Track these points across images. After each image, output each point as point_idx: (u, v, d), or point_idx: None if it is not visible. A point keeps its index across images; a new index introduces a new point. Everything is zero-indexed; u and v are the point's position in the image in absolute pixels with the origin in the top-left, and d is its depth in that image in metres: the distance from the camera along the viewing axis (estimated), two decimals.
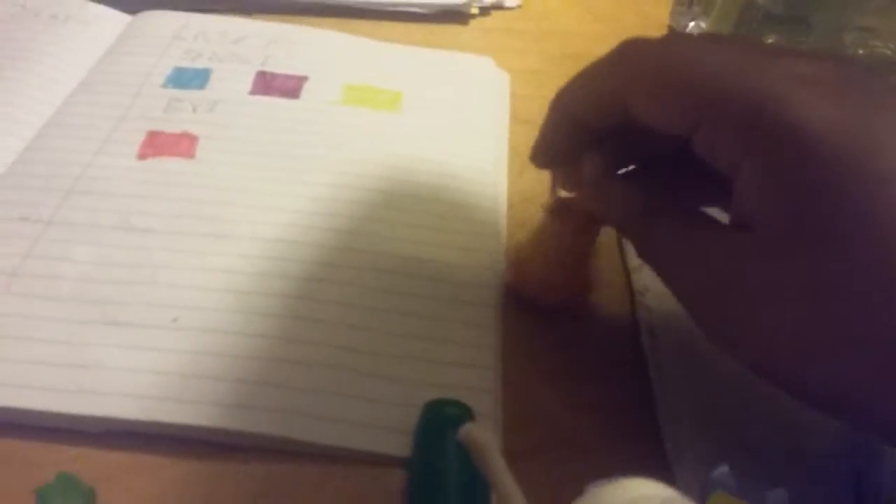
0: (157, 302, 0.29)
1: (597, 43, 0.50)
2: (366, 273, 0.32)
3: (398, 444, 0.26)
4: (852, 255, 0.19)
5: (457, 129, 0.41)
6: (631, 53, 0.24)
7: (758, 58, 0.22)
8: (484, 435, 0.21)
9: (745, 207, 0.21)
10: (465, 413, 0.26)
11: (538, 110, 0.43)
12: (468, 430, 0.21)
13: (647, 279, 0.33)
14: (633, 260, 0.34)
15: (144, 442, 0.26)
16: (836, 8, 0.39)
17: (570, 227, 0.29)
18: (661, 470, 0.27)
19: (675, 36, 0.25)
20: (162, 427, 0.26)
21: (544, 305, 0.31)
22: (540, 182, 0.38)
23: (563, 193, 0.30)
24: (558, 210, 0.30)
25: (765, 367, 0.22)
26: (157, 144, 0.37)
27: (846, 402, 0.20)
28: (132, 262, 0.31)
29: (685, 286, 0.24)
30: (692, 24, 0.50)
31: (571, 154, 0.28)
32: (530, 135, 0.41)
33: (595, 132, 0.27)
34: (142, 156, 0.36)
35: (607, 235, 0.33)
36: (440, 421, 0.25)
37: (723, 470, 0.22)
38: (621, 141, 0.27)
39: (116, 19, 0.46)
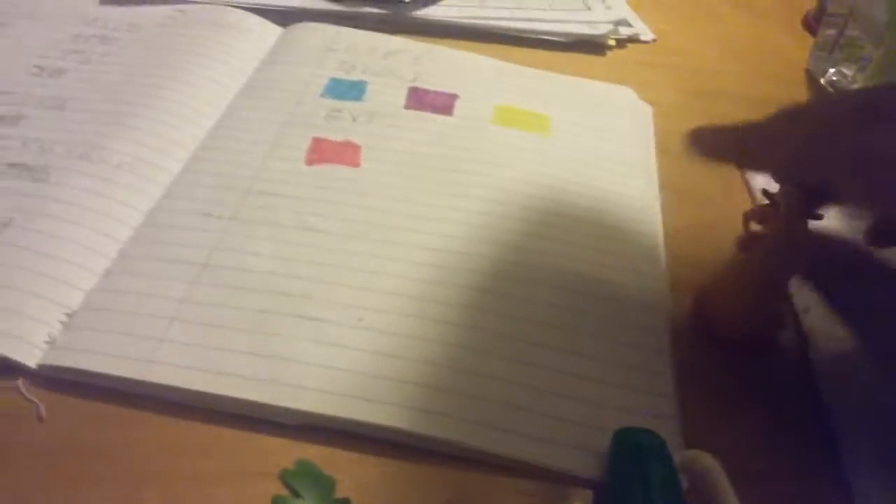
0: (342, 300, 0.30)
1: (733, 82, 0.51)
2: (536, 288, 0.32)
3: (580, 463, 0.26)
4: None
5: (606, 156, 0.41)
6: (841, 138, 0.24)
7: None
8: (711, 460, 0.21)
9: None
10: (660, 443, 0.25)
11: (682, 144, 0.44)
12: (695, 456, 0.21)
13: (814, 321, 0.33)
14: (801, 301, 0.33)
15: (336, 438, 0.26)
16: None
17: (767, 263, 0.29)
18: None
19: (876, 112, 0.24)
20: (356, 425, 0.26)
21: (731, 341, 0.31)
22: (692, 215, 0.39)
23: (756, 228, 0.30)
24: (749, 241, 0.29)
25: None
26: (323, 151, 0.38)
27: None
28: (314, 260, 0.32)
29: None
30: (832, 69, 0.50)
31: None
32: (678, 166, 0.42)
33: None
34: (309, 161, 0.37)
35: None
36: (636, 449, 0.25)
37: None
38: None
39: (269, 30, 0.48)
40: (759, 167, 0.27)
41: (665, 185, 0.40)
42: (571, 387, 0.29)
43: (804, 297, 0.33)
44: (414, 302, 0.31)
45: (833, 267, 0.25)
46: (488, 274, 0.33)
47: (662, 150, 0.43)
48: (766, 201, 0.29)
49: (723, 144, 0.29)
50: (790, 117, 0.27)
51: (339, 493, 0.22)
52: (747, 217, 0.30)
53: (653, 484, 0.24)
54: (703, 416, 0.29)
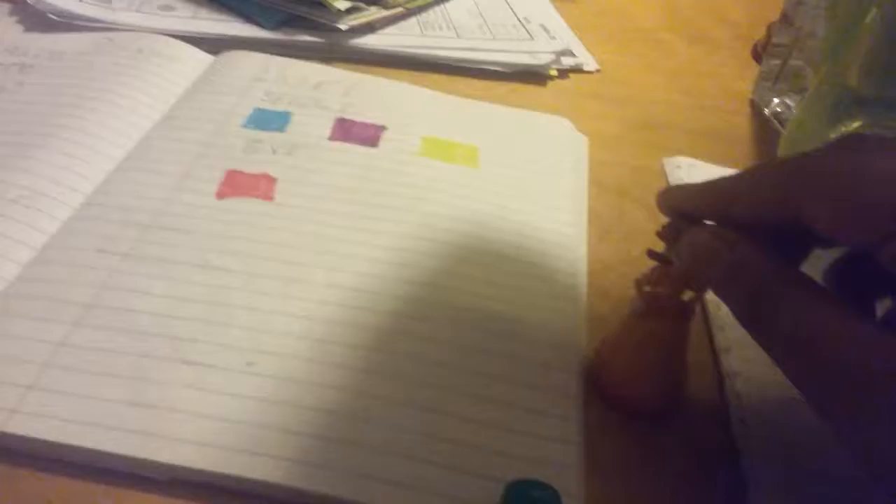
0: (232, 343, 0.28)
1: (677, 113, 0.50)
2: (443, 328, 0.31)
3: None
4: None
5: (535, 189, 0.40)
6: (812, 164, 0.23)
7: None
8: None
9: None
10: (552, 497, 0.24)
11: (617, 176, 0.43)
12: None
13: (736, 363, 0.31)
14: (723, 340, 0.32)
15: (211, 493, 0.25)
16: None
17: (660, 325, 0.27)
18: None
19: (853, 143, 0.23)
20: (232, 481, 0.25)
21: (633, 411, 0.29)
22: (621, 250, 0.37)
23: (651, 289, 0.28)
24: (647, 306, 0.28)
25: None
26: (236, 184, 0.36)
27: None
28: (208, 300, 0.30)
29: (813, 375, 0.22)
30: (776, 100, 0.49)
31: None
32: (609, 201, 0.41)
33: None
34: (220, 195, 0.36)
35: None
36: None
37: None
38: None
39: (199, 58, 0.47)
40: (727, 213, 0.25)
41: (595, 218, 0.39)
42: (468, 433, 0.27)
43: (728, 337, 0.32)
44: (313, 344, 0.29)
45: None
46: (393, 314, 0.31)
47: (596, 183, 0.41)
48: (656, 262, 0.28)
49: (690, 198, 0.27)
50: (757, 167, 0.25)
51: None
52: (640, 283, 0.28)
53: None
54: (611, 464, 0.27)
